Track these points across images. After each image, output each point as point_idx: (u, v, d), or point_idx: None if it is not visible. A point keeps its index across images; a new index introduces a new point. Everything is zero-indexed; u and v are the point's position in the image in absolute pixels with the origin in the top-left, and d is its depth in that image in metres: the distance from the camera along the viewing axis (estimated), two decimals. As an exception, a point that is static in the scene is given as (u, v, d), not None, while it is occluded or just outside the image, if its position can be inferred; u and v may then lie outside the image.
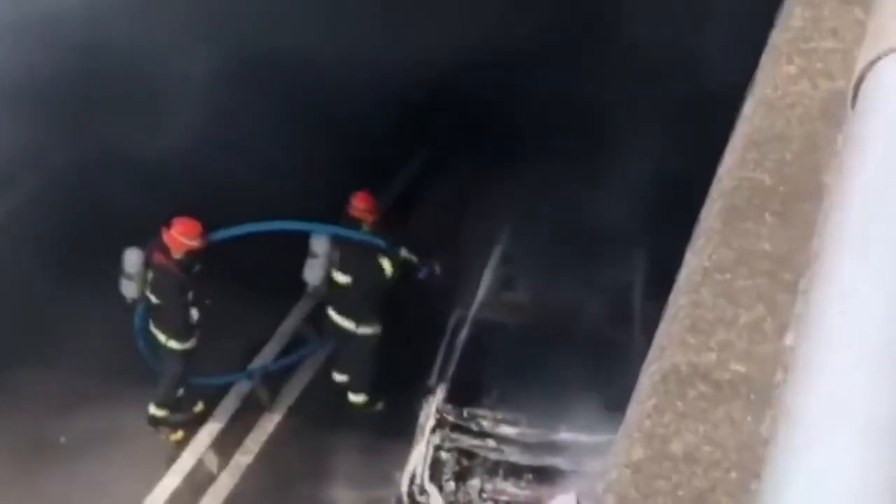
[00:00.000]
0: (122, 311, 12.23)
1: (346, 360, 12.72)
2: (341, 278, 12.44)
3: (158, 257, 12.01)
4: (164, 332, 12.17)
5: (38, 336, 12.49)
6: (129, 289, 12.14)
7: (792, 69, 4.90)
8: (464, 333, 11.97)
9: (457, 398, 11.40)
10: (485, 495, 11.00)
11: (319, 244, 12.24)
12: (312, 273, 12.34)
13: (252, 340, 13.19)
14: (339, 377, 12.80)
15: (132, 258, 12.04)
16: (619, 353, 11.29)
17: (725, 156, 4.65)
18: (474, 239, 13.22)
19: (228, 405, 12.76)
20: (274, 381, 12.92)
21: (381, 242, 12.39)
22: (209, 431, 12.50)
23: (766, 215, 4.17)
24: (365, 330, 12.50)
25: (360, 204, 12.46)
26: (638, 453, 3.20)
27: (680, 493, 3.06)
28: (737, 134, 4.73)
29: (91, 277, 12.16)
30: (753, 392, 3.38)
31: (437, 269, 12.64)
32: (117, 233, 12.21)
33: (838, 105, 4.76)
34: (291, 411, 12.73)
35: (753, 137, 4.61)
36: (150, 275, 12.05)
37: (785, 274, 3.89)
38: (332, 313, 12.60)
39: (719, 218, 4.19)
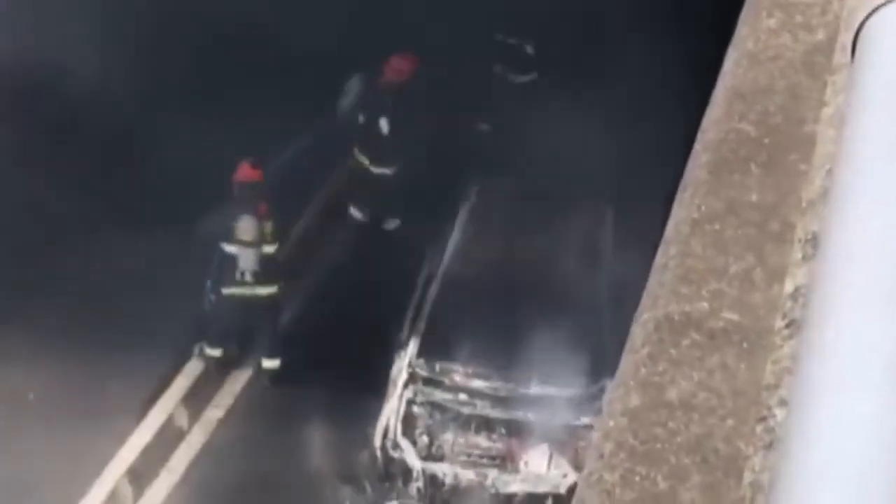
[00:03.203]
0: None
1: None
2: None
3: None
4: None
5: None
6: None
7: (772, 22, 4.92)
8: (434, 288, 11.98)
9: (428, 353, 11.43)
10: (457, 449, 11.04)
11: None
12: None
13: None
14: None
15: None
16: (587, 306, 11.35)
17: (709, 108, 4.67)
18: (443, 194, 13.26)
19: (197, 362, 12.74)
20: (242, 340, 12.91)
21: None
22: (178, 387, 12.47)
23: (752, 166, 4.20)
24: None
25: (399, 65, 13.74)
26: (634, 401, 3.22)
27: (678, 439, 3.09)
28: (719, 87, 4.75)
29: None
30: (746, 340, 3.42)
31: None
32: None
33: (820, 57, 4.79)
34: (261, 367, 12.72)
35: (737, 90, 4.63)
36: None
37: (773, 224, 3.92)
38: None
39: (706, 169, 4.21)
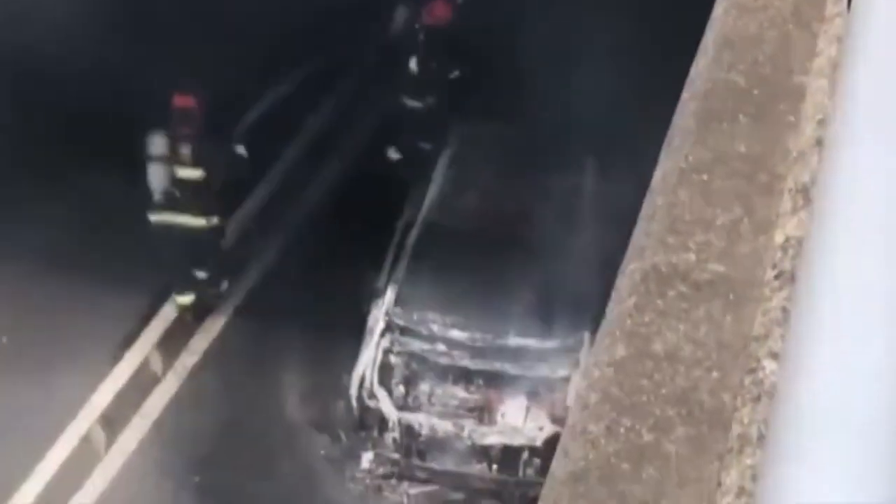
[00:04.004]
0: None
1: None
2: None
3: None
4: None
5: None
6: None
7: (762, -29, 4.85)
8: (413, 236, 11.90)
9: (406, 301, 11.37)
10: (434, 399, 11.01)
11: None
12: None
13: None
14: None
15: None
16: (567, 259, 11.31)
17: (698, 57, 4.61)
18: (424, 140, 13.20)
19: (171, 307, 12.65)
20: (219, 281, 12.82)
21: None
22: (152, 332, 12.40)
23: (741, 116, 4.15)
24: None
25: (438, 10, 13.83)
26: (620, 352, 3.18)
27: (663, 391, 3.05)
28: (709, 35, 4.68)
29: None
30: (732, 292, 3.37)
31: None
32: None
33: (810, 7, 4.73)
34: (238, 312, 12.65)
35: (727, 39, 4.57)
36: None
37: (761, 175, 3.88)
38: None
39: (694, 119, 4.16)
